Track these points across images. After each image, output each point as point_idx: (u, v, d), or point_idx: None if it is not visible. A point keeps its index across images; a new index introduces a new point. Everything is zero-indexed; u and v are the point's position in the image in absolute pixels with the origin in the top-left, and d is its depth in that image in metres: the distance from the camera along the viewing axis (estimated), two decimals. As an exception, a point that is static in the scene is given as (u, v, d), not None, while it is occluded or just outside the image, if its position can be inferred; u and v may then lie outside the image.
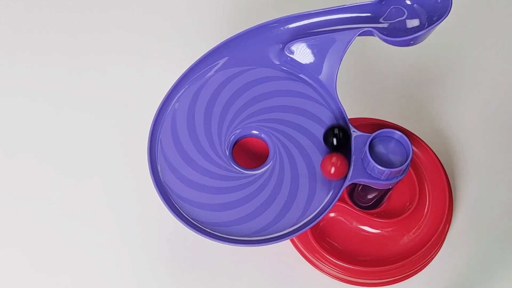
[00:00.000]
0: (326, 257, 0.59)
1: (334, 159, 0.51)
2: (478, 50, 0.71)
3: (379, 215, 0.60)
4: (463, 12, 0.72)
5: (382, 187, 0.52)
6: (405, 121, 0.65)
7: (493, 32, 0.72)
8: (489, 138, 0.66)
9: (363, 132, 0.52)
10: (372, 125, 0.60)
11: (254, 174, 0.53)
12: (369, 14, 0.53)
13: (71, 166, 0.66)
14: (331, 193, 0.52)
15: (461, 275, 0.60)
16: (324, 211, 0.50)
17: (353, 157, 0.51)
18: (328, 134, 0.52)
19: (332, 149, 0.52)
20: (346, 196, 0.60)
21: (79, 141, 0.67)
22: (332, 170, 0.51)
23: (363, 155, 0.51)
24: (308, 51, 0.53)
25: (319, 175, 0.52)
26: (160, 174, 0.52)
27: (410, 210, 0.59)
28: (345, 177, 0.51)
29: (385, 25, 0.53)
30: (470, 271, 0.60)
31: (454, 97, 0.68)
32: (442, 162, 0.63)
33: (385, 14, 0.53)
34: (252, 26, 0.55)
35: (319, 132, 0.53)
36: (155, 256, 0.62)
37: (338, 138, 0.52)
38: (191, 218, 0.51)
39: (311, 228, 0.52)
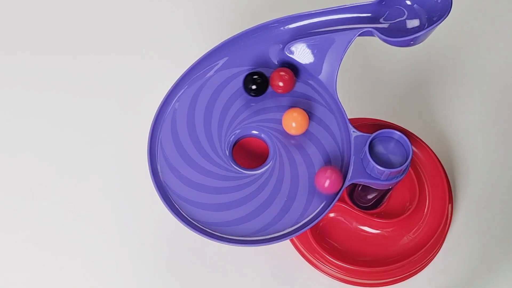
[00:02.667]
0: (326, 257, 0.59)
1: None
2: (478, 50, 0.71)
3: (379, 215, 0.60)
4: (463, 12, 0.72)
5: (382, 187, 0.52)
6: (405, 121, 0.65)
7: (493, 32, 0.72)
8: (489, 138, 0.66)
9: (363, 132, 0.52)
10: (372, 125, 0.60)
11: (254, 174, 0.53)
12: (369, 14, 0.53)
13: (71, 166, 0.66)
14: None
15: (461, 275, 0.60)
16: (324, 211, 0.50)
17: (352, 157, 0.51)
18: (248, 80, 0.53)
19: (251, 94, 0.53)
20: (346, 196, 0.60)
21: (79, 141, 0.67)
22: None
23: (363, 155, 0.51)
24: (308, 51, 0.53)
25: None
26: (160, 174, 0.52)
27: (410, 211, 0.59)
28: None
29: (385, 26, 0.52)
30: (470, 271, 0.60)
31: (454, 97, 0.68)
32: (442, 162, 0.63)
33: (385, 15, 0.53)
34: (252, 26, 0.55)
35: (319, 132, 0.53)
36: (155, 256, 0.62)
37: (256, 83, 0.53)
38: (191, 218, 0.51)
39: (311, 228, 0.52)
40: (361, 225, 0.60)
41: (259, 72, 0.53)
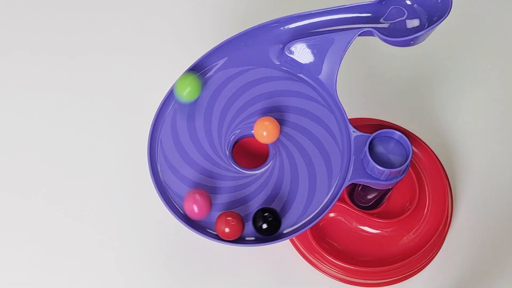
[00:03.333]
0: (326, 257, 0.59)
1: (228, 217, 0.49)
2: (478, 50, 0.71)
3: (379, 215, 0.60)
4: (463, 12, 0.72)
5: (382, 187, 0.52)
6: (405, 121, 0.65)
7: (493, 32, 0.72)
8: (489, 138, 0.66)
9: (363, 132, 0.52)
10: (372, 125, 0.60)
11: (254, 174, 0.53)
12: (369, 14, 0.53)
13: (71, 166, 0.66)
14: (331, 193, 0.52)
15: (461, 275, 0.60)
16: (324, 211, 0.50)
17: (352, 157, 0.51)
18: (258, 216, 0.49)
19: (260, 233, 0.49)
20: (346, 196, 0.60)
21: (79, 141, 0.67)
22: (227, 230, 0.49)
23: (363, 155, 0.51)
24: (308, 51, 0.53)
25: (319, 175, 0.52)
26: (160, 174, 0.52)
27: (410, 211, 0.59)
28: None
29: (385, 25, 0.53)
30: (470, 271, 0.60)
31: (454, 97, 0.68)
32: (442, 162, 0.63)
33: (385, 14, 0.53)
34: (252, 26, 0.55)
35: (319, 132, 0.53)
36: (155, 256, 0.62)
37: (268, 222, 0.49)
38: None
39: (311, 228, 0.52)
40: (361, 225, 0.60)
41: (271, 209, 0.50)
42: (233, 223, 0.49)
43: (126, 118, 0.68)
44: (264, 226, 0.49)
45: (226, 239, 0.49)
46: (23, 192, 0.65)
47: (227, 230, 0.49)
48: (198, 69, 0.55)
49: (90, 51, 0.72)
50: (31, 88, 0.70)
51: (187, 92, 0.51)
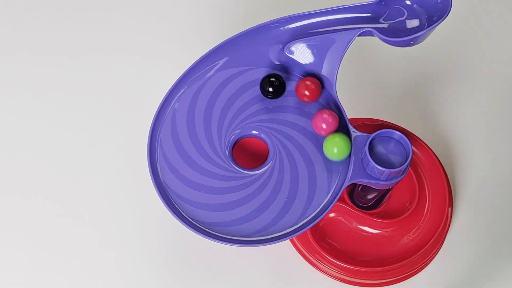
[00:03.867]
0: (326, 257, 0.59)
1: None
2: (478, 51, 0.71)
3: (379, 215, 0.60)
4: (463, 12, 0.72)
5: (382, 187, 0.52)
6: (405, 121, 0.65)
7: (494, 32, 0.72)
8: (489, 138, 0.66)
9: (363, 132, 0.52)
10: (372, 125, 0.60)
11: (254, 174, 0.53)
12: (369, 14, 0.53)
13: (71, 166, 0.66)
14: (331, 193, 0.52)
15: (461, 275, 0.60)
16: (324, 211, 0.50)
17: (352, 158, 0.51)
18: (264, 82, 0.53)
19: (268, 96, 0.54)
20: (346, 196, 0.60)
21: (79, 141, 0.67)
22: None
23: (362, 155, 0.51)
24: (308, 51, 0.53)
25: (319, 175, 0.52)
26: (160, 174, 0.52)
27: (410, 211, 0.59)
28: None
29: (385, 26, 0.52)
30: (470, 271, 0.60)
31: (454, 97, 0.68)
32: (442, 162, 0.63)
33: (385, 15, 0.53)
34: (252, 26, 0.55)
35: (319, 132, 0.53)
36: (155, 256, 0.62)
37: (274, 85, 0.53)
38: (191, 218, 0.51)
39: (311, 228, 0.52)
40: (361, 225, 0.60)
41: (276, 74, 0.53)
42: (312, 86, 0.53)
43: (126, 118, 0.68)
44: (270, 89, 0.53)
45: (307, 101, 0.53)
46: (23, 192, 0.65)
47: (307, 93, 0.53)
48: (198, 69, 0.55)
49: (90, 51, 0.72)
50: (31, 88, 0.70)
51: (336, 152, 0.51)
